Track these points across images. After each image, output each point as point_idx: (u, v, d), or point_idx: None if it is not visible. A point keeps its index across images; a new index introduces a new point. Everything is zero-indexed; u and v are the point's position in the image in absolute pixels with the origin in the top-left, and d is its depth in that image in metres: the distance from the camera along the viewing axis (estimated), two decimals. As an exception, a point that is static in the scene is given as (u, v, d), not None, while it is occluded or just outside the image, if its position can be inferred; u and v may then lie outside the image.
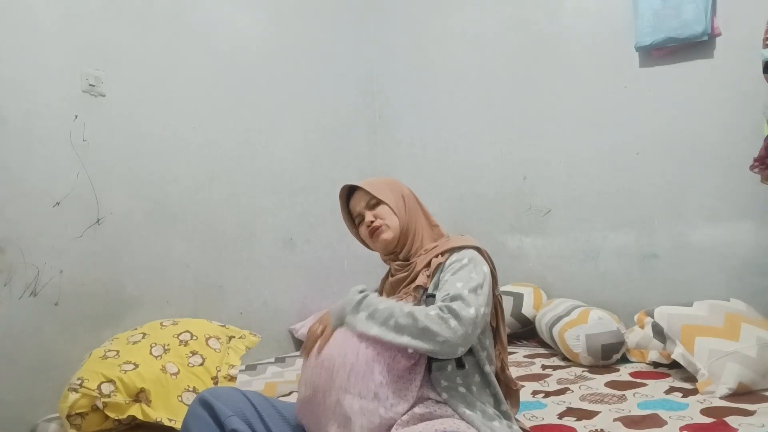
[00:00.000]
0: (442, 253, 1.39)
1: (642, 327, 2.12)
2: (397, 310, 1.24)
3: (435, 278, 1.35)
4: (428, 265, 1.38)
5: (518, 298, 2.67)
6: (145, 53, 2.22)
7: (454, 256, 1.37)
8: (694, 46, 2.52)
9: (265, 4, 2.76)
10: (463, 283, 1.28)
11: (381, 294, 1.47)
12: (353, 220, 1.51)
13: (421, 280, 1.36)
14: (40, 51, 1.91)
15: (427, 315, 1.22)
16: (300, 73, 2.89)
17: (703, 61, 2.53)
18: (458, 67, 3.13)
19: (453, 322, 1.20)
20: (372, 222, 1.42)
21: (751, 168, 2.08)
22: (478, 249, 1.39)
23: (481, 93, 3.06)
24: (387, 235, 1.42)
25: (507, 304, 2.64)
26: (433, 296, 1.30)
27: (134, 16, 2.19)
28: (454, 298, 1.24)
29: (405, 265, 1.43)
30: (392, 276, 1.47)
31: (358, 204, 1.47)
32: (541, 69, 2.90)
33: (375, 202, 1.44)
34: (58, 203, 1.92)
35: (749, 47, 2.26)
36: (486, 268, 1.36)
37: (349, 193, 1.50)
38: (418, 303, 1.33)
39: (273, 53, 2.76)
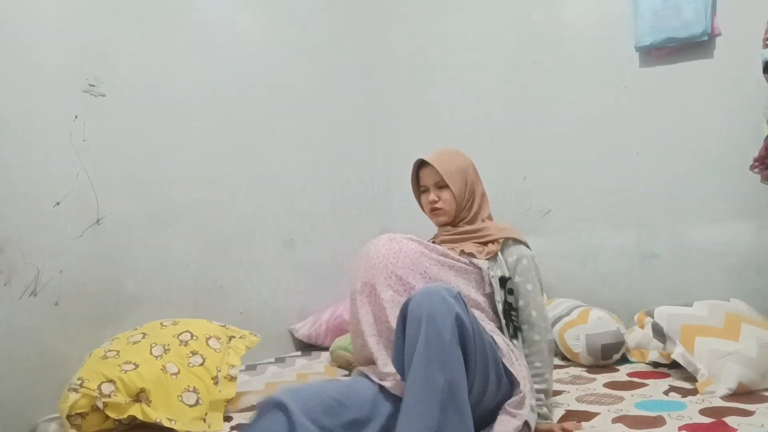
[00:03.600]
0: (497, 240, 1.66)
1: (642, 327, 2.12)
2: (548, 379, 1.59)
3: (498, 262, 1.63)
4: (486, 245, 1.66)
5: (518, 298, 2.67)
6: (145, 53, 2.22)
7: (513, 251, 1.65)
8: (694, 46, 2.52)
9: (265, 4, 2.76)
10: (532, 287, 1.63)
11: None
12: (419, 186, 1.78)
13: (473, 248, 1.65)
14: (40, 51, 1.91)
15: (546, 356, 1.59)
16: (300, 73, 2.89)
17: (703, 61, 2.53)
18: (458, 67, 3.13)
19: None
20: (435, 201, 1.70)
21: (751, 168, 2.08)
22: (527, 245, 1.69)
23: (482, 93, 3.06)
24: (443, 218, 1.72)
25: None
26: (508, 279, 1.62)
27: (134, 16, 2.19)
28: (545, 321, 1.62)
29: (453, 232, 1.72)
30: (440, 238, 1.74)
31: (429, 178, 1.72)
32: (541, 69, 2.90)
33: (443, 185, 1.70)
34: (58, 203, 1.93)
35: (749, 47, 2.26)
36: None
37: (422, 162, 1.74)
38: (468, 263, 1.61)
39: (273, 53, 2.76)
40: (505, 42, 3.00)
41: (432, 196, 1.71)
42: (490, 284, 1.60)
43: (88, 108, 2.03)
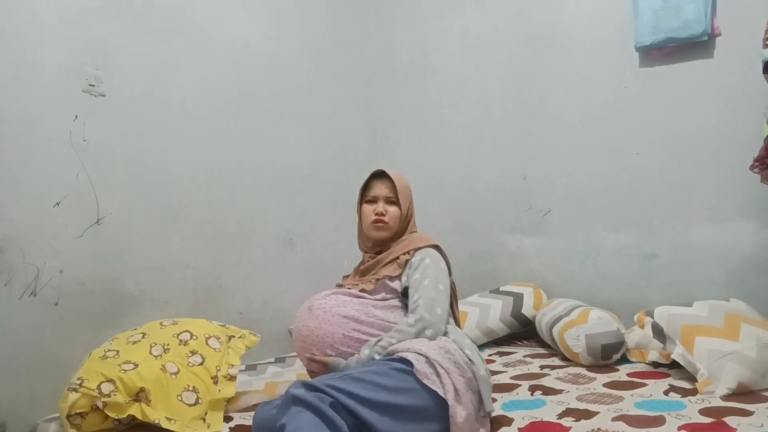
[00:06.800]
0: (409, 252, 1.68)
1: (642, 327, 2.11)
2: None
3: (405, 272, 1.65)
4: (397, 259, 1.68)
5: (518, 298, 2.67)
6: (145, 53, 2.22)
7: (418, 255, 1.66)
8: (694, 46, 2.52)
9: (265, 4, 2.76)
10: (429, 281, 1.60)
11: (349, 278, 1.80)
12: (364, 195, 1.78)
13: (388, 270, 1.66)
14: (40, 51, 1.92)
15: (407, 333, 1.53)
16: (300, 73, 2.90)
17: (703, 61, 2.53)
18: (458, 67, 3.13)
19: (429, 332, 1.53)
20: (382, 214, 1.71)
21: (751, 168, 2.08)
22: (436, 247, 1.70)
23: (482, 93, 3.06)
24: (384, 233, 1.73)
25: (507, 304, 2.64)
26: (406, 288, 1.63)
27: (134, 16, 2.19)
28: (427, 307, 1.55)
29: (375, 257, 1.74)
30: (362, 265, 1.77)
31: (382, 189, 1.74)
32: (542, 69, 2.90)
33: (394, 200, 1.73)
34: (58, 203, 1.93)
35: (749, 47, 2.26)
36: (443, 265, 1.67)
37: (377, 173, 1.78)
38: (385, 291, 1.65)
39: (273, 53, 2.76)
40: (505, 42, 3.00)
41: (380, 207, 1.72)
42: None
43: (88, 108, 2.03)
